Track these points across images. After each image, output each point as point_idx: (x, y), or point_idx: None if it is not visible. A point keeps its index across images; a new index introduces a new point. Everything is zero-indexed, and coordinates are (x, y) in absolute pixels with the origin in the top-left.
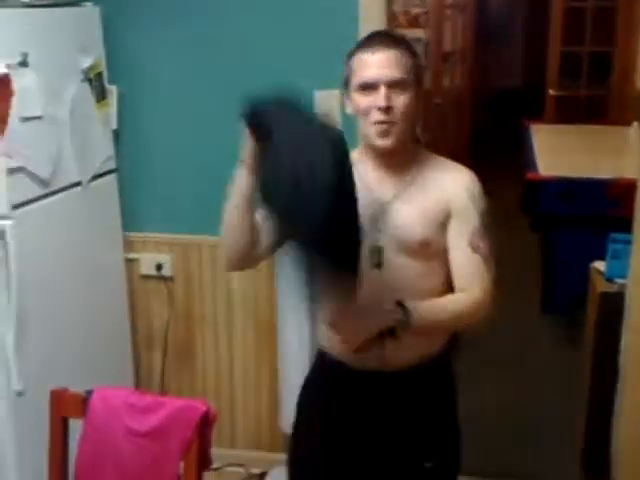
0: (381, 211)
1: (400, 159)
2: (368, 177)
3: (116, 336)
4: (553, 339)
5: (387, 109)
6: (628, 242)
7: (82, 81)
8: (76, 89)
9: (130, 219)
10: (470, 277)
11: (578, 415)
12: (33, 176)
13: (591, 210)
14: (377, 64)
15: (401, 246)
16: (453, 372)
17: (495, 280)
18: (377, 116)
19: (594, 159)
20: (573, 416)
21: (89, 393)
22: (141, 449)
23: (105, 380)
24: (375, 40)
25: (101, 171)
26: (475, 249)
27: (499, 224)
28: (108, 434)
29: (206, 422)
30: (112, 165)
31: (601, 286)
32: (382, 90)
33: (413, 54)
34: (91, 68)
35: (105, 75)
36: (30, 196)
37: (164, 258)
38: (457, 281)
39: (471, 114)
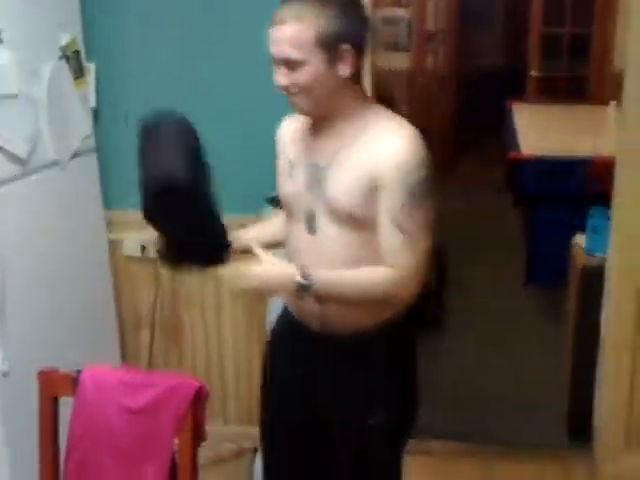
0: (316, 176)
1: (335, 124)
2: (307, 141)
3: (102, 317)
4: (536, 309)
5: (284, 87)
6: (607, 218)
7: (59, 59)
8: (53, 67)
9: (112, 199)
10: (391, 255)
11: (561, 382)
12: (10, 155)
13: (572, 188)
14: (275, 40)
15: (332, 214)
16: (407, 338)
17: (423, 256)
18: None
19: (574, 138)
20: (556, 383)
21: (79, 372)
22: (134, 426)
23: (91, 361)
24: (283, 9)
25: (80, 150)
26: (399, 226)
27: (483, 202)
28: (100, 412)
29: (199, 398)
30: (91, 144)
31: (582, 260)
32: (279, 68)
33: (329, 15)
34: (68, 45)
35: (83, 52)
36: (7, 176)
37: (148, 238)
38: (382, 256)
39: (455, 94)
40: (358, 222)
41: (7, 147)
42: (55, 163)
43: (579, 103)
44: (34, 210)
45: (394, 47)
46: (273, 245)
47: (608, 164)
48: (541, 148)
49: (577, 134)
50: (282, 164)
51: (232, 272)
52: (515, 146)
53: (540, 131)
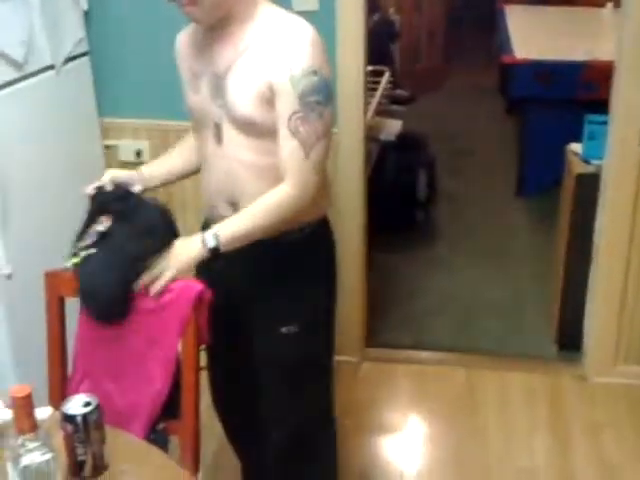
0: (217, 85)
1: (230, 29)
2: (206, 50)
3: None
4: (528, 220)
5: None
6: (604, 123)
7: None
8: None
9: (106, 105)
10: (286, 164)
11: (553, 293)
12: (6, 58)
13: (565, 93)
14: None
15: (235, 122)
16: (322, 243)
17: (321, 162)
18: None
19: (569, 41)
20: (548, 294)
21: None
22: (140, 326)
23: None
24: None
25: (74, 54)
26: (293, 132)
27: (476, 108)
28: None
29: (202, 301)
30: (84, 47)
31: (577, 167)
32: None
33: None
34: None
35: None
36: (4, 80)
37: (143, 144)
38: (280, 165)
39: None
40: (259, 129)
41: (3, 50)
42: (50, 67)
43: (573, 4)
44: (31, 114)
45: None
46: (179, 177)
47: (603, 68)
48: (535, 51)
49: (571, 37)
50: (185, 77)
51: (148, 278)
52: (508, 49)
53: (533, 34)
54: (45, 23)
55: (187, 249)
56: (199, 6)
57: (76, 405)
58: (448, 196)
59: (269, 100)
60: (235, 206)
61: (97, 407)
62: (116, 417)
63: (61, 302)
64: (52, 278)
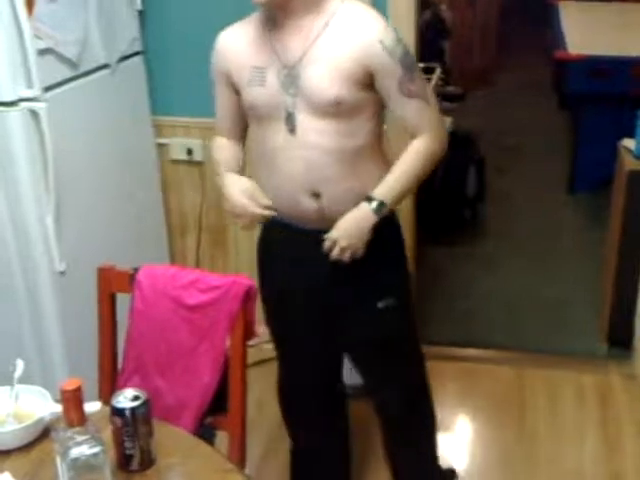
0: (290, 75)
1: (299, 15)
2: (273, 41)
3: (151, 220)
4: (579, 217)
5: None
6: None
7: None
8: None
9: (159, 103)
10: (416, 122)
11: (603, 292)
12: (62, 57)
13: (619, 88)
14: None
15: (314, 109)
16: (396, 219)
17: (437, 108)
18: None
19: (622, 37)
20: (598, 293)
21: (136, 269)
22: (190, 322)
23: (142, 262)
24: None
25: (127, 53)
26: (409, 94)
27: (527, 105)
28: (157, 308)
29: (250, 296)
30: (138, 47)
31: (630, 164)
32: None
33: None
34: None
35: None
36: (59, 78)
37: (194, 142)
38: (408, 130)
39: None
40: (343, 111)
41: (59, 49)
42: (104, 66)
43: (628, 0)
44: (85, 112)
45: None
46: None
47: None
48: (588, 47)
49: (625, 33)
50: (240, 74)
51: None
52: (561, 45)
53: (587, 29)
54: (100, 22)
55: (356, 220)
56: None
57: (125, 399)
58: (498, 194)
59: (360, 80)
60: (318, 197)
61: (146, 401)
62: (165, 411)
63: (112, 298)
64: (104, 274)
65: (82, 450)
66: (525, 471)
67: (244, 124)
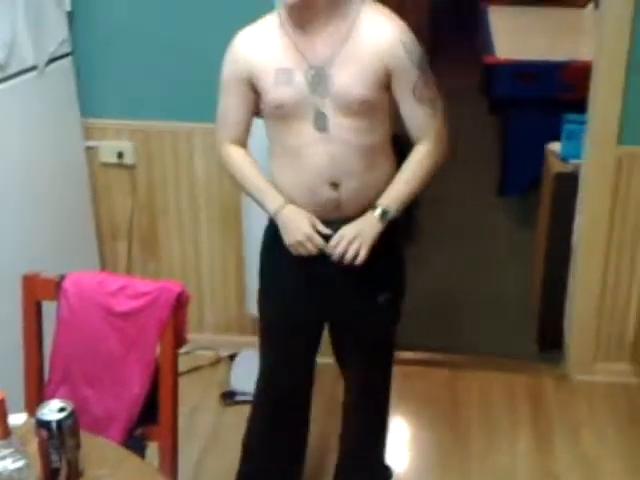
0: (318, 75)
1: (325, 17)
2: (298, 43)
3: (80, 225)
4: (511, 221)
5: None
6: (582, 123)
7: None
8: None
9: (88, 105)
10: (422, 127)
11: (534, 293)
12: None
13: (546, 93)
14: None
15: (342, 108)
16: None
17: (443, 115)
18: None
19: (550, 42)
20: (527, 294)
21: (62, 277)
22: (119, 330)
23: (71, 269)
24: None
25: (56, 55)
26: (420, 98)
27: (458, 108)
28: (84, 316)
29: (181, 303)
30: (67, 48)
31: (556, 167)
32: None
33: None
34: None
35: None
36: None
37: (125, 145)
38: (412, 133)
39: None
40: (368, 109)
41: None
42: (32, 68)
43: (555, 5)
44: (11, 116)
45: None
46: None
47: (583, 68)
48: (516, 51)
49: (552, 37)
50: (265, 77)
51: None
52: (490, 49)
53: (515, 34)
54: (28, 24)
55: (363, 224)
56: None
57: (50, 411)
58: (430, 197)
59: (382, 80)
60: (337, 187)
61: (72, 413)
62: (94, 423)
63: (38, 306)
64: (29, 282)
65: (5, 464)
66: (460, 469)
67: (250, 129)
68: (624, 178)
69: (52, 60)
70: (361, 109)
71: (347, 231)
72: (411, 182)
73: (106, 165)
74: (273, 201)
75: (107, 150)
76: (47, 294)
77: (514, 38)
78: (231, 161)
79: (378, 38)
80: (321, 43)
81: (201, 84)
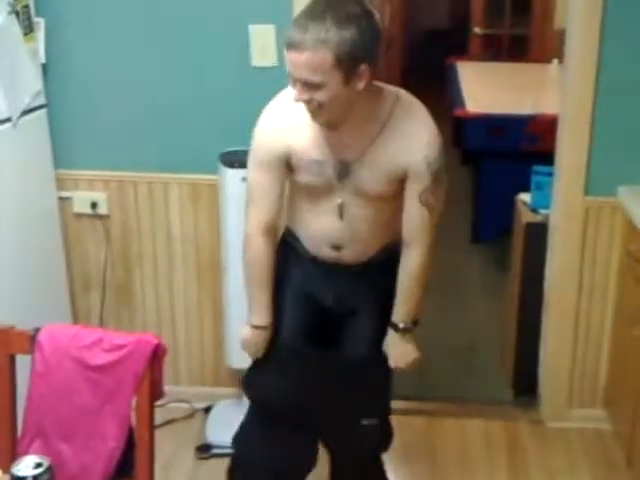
0: (346, 170)
1: (356, 121)
2: (331, 139)
3: (52, 277)
4: (482, 265)
5: (307, 101)
6: (550, 174)
7: (9, 13)
8: (3, 21)
9: (62, 156)
10: (416, 230)
11: (508, 339)
12: None
13: (514, 145)
14: (294, 63)
15: (361, 198)
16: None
17: (437, 221)
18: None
19: (517, 95)
20: (503, 340)
21: (37, 330)
22: (94, 383)
23: (42, 321)
24: (301, 31)
25: (31, 107)
26: (424, 202)
27: None
28: (59, 370)
29: (157, 355)
30: (42, 100)
31: (526, 216)
32: (297, 86)
33: (347, 39)
34: (17, 0)
35: (32, 7)
36: None
37: (99, 196)
38: (406, 231)
39: (401, 53)
40: (382, 198)
41: None
42: (6, 120)
43: (521, 61)
44: None
45: None
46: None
47: (548, 121)
48: (485, 105)
49: (520, 91)
50: (299, 159)
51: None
52: (460, 103)
53: (484, 88)
54: (2, 76)
55: (402, 347)
56: (327, 112)
57: (26, 467)
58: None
59: (400, 179)
60: (339, 249)
61: (48, 468)
62: (69, 478)
63: (12, 360)
64: (3, 335)
65: None
66: None
67: (282, 209)
68: (592, 227)
69: (26, 112)
70: (377, 199)
71: (397, 361)
72: (419, 295)
73: (79, 215)
74: (256, 318)
75: (80, 200)
76: (21, 347)
77: (482, 92)
78: (249, 253)
79: (406, 147)
80: (352, 141)
81: (176, 135)
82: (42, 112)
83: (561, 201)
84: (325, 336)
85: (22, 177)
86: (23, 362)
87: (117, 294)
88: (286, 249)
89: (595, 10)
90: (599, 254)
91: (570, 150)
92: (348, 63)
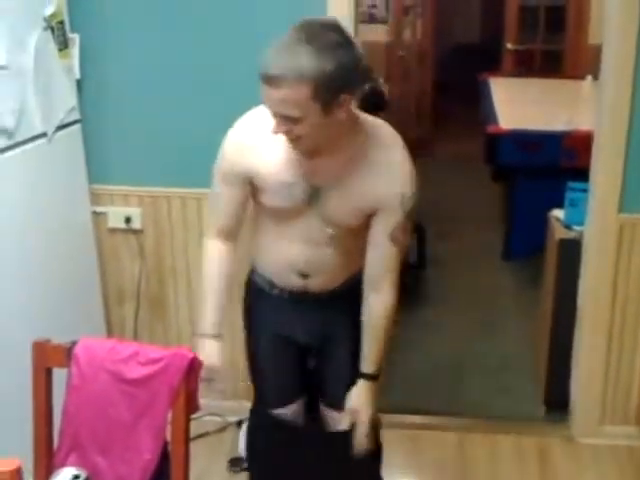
0: (317, 195)
1: (329, 152)
2: (303, 163)
3: (86, 291)
4: (515, 283)
5: (285, 132)
6: (584, 190)
7: (44, 29)
8: (38, 37)
9: (96, 172)
10: (382, 271)
11: (540, 355)
12: None
13: (548, 161)
14: (270, 98)
15: (328, 223)
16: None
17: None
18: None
19: (551, 111)
20: (535, 356)
21: (73, 343)
22: (130, 396)
23: (77, 336)
24: (276, 63)
25: (65, 122)
26: (393, 241)
27: (462, 176)
28: (95, 383)
29: (193, 369)
30: (76, 116)
31: (560, 233)
32: (275, 119)
33: (325, 71)
34: (53, 15)
35: (67, 23)
36: None
37: (133, 211)
38: (371, 268)
39: (433, 67)
40: (352, 229)
41: None
42: (41, 135)
43: (554, 77)
44: (20, 183)
45: (371, 19)
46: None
47: (583, 137)
48: (518, 121)
49: (553, 107)
50: (264, 180)
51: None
52: (493, 119)
53: (517, 104)
54: (37, 92)
55: (363, 398)
56: (307, 142)
57: (64, 478)
58: (437, 261)
59: (370, 214)
60: (306, 277)
61: None
62: None
63: (48, 373)
64: (39, 348)
65: None
66: None
67: (243, 219)
68: (626, 245)
69: (61, 127)
70: (346, 229)
71: (359, 408)
72: (385, 340)
73: (113, 230)
74: (205, 324)
75: (115, 215)
76: (57, 361)
77: (516, 108)
78: (206, 256)
79: (380, 184)
80: (324, 166)
81: (210, 151)
82: (76, 127)
83: (595, 218)
84: (308, 372)
85: (57, 191)
86: (59, 376)
87: (151, 307)
88: (252, 290)
89: (632, 25)
90: (633, 271)
91: (605, 167)
92: (327, 95)
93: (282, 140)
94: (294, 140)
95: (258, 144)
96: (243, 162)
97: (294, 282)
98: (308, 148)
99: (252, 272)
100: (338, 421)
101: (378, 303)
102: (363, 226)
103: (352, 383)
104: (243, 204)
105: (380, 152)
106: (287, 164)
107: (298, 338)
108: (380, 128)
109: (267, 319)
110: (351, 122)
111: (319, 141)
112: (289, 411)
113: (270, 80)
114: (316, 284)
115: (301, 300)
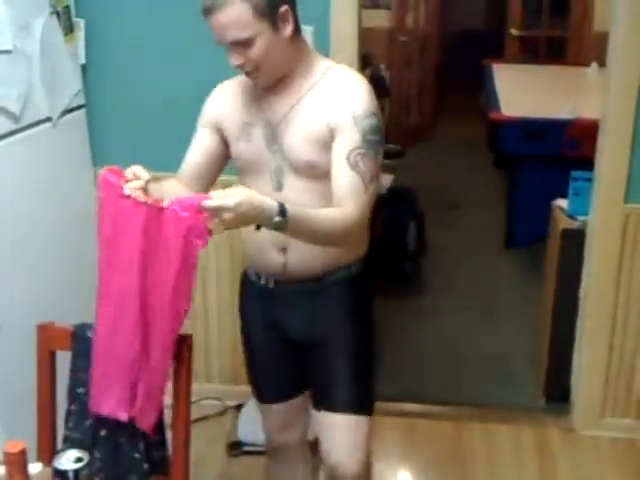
0: (272, 133)
1: (285, 83)
2: (260, 99)
3: (90, 275)
4: (517, 273)
5: (240, 65)
6: (589, 180)
7: (50, 14)
8: (44, 22)
9: (101, 156)
10: (345, 192)
11: (541, 346)
12: (4, 111)
13: (552, 150)
14: (217, 27)
15: (295, 168)
16: (362, 283)
17: (373, 200)
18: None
19: (555, 99)
20: (536, 346)
21: (76, 327)
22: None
23: (81, 320)
24: None
25: (70, 107)
26: (353, 166)
27: (464, 161)
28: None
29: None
30: (81, 100)
31: (563, 223)
32: (231, 51)
33: None
34: (58, 0)
35: (72, 8)
36: (0, 132)
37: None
38: (334, 196)
39: (436, 54)
40: (317, 173)
41: (2, 103)
42: (46, 120)
43: (559, 64)
44: (25, 167)
45: (374, 4)
46: None
47: (587, 126)
48: (521, 109)
49: (557, 95)
50: (231, 128)
51: (219, 194)
52: (495, 106)
53: (520, 91)
54: (43, 76)
55: (262, 206)
56: (266, 69)
57: (67, 461)
58: (437, 248)
59: (328, 143)
60: (285, 250)
61: (88, 463)
62: None
63: (52, 356)
64: (44, 331)
65: None
66: None
67: (208, 180)
68: (630, 235)
69: (66, 112)
70: (311, 172)
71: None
72: (318, 218)
73: None
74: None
75: None
76: (61, 344)
77: (518, 95)
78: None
79: (332, 103)
80: (280, 100)
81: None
82: (81, 112)
83: (600, 208)
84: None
85: (62, 176)
86: (63, 359)
87: None
88: (245, 282)
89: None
90: (637, 262)
91: (610, 156)
92: (267, 8)
93: (245, 84)
94: (253, 72)
95: (228, 92)
96: (214, 108)
97: (275, 261)
98: (268, 78)
99: (247, 267)
100: (336, 427)
101: (337, 210)
102: (328, 167)
103: (347, 388)
104: (207, 155)
105: (336, 82)
106: (249, 104)
107: (289, 334)
108: (337, 66)
109: (256, 311)
110: (305, 54)
111: (276, 68)
112: (283, 407)
113: (208, 9)
114: (297, 261)
115: (289, 292)
